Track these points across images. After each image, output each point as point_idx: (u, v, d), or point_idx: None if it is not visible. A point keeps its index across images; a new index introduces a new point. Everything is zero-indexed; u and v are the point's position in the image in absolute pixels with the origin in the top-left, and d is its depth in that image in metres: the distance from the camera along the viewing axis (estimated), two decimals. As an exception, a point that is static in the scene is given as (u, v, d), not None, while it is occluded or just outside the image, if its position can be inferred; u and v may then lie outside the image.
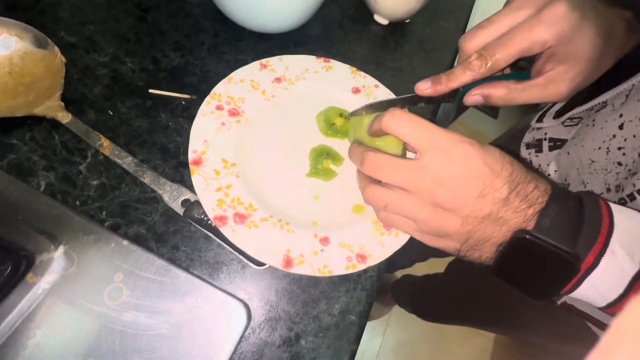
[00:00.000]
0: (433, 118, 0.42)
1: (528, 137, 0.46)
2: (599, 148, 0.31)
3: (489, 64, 0.26)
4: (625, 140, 0.29)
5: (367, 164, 0.25)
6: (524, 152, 0.46)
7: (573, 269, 0.22)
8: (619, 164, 0.30)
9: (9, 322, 0.23)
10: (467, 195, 0.23)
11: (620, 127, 0.29)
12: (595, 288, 0.22)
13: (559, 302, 0.38)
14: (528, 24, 0.25)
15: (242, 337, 0.27)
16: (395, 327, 1.23)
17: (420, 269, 0.99)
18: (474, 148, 0.23)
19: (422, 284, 0.95)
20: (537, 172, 0.25)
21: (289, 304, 0.30)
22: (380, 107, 0.30)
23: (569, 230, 0.22)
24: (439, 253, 0.89)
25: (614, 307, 0.22)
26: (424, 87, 0.28)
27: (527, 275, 0.24)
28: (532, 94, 0.27)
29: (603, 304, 0.23)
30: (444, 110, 1.45)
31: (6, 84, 0.31)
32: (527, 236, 0.22)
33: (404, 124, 0.24)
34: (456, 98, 0.30)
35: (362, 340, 0.28)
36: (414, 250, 0.90)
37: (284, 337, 0.28)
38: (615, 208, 0.23)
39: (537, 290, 0.24)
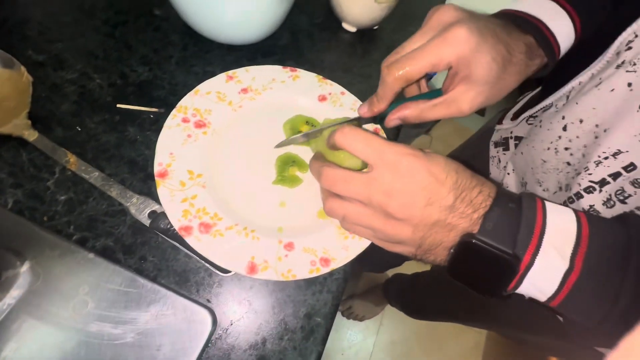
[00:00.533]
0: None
1: (496, 136, 0.47)
2: (548, 149, 0.33)
3: (399, 76, 0.28)
4: (570, 141, 0.31)
5: (324, 178, 0.27)
6: (493, 151, 0.48)
7: (513, 269, 0.23)
8: (568, 163, 0.31)
9: (-26, 338, 0.24)
10: (415, 205, 0.24)
11: (564, 128, 0.31)
12: (534, 285, 0.24)
13: (526, 297, 0.39)
14: (434, 42, 0.27)
15: (207, 342, 0.28)
16: (388, 326, 1.25)
17: (410, 267, 1.00)
18: (419, 160, 0.24)
19: (410, 283, 0.96)
20: (483, 177, 0.26)
21: (255, 309, 0.30)
22: (316, 135, 0.33)
23: (509, 232, 0.23)
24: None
25: (553, 300, 0.23)
26: (363, 111, 0.33)
27: (476, 275, 0.25)
28: (439, 111, 0.29)
29: (544, 298, 0.24)
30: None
31: (-27, 105, 0.32)
32: (473, 240, 0.23)
33: (355, 141, 0.26)
34: (377, 119, 0.33)
35: (355, 341, 0.29)
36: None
37: (250, 341, 0.29)
38: (550, 208, 0.24)
39: (484, 288, 0.26)
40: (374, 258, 1.04)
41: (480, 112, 1.81)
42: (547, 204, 0.24)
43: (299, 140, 0.35)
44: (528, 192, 0.25)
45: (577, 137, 0.29)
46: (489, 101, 0.29)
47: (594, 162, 0.28)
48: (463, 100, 0.28)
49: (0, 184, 0.30)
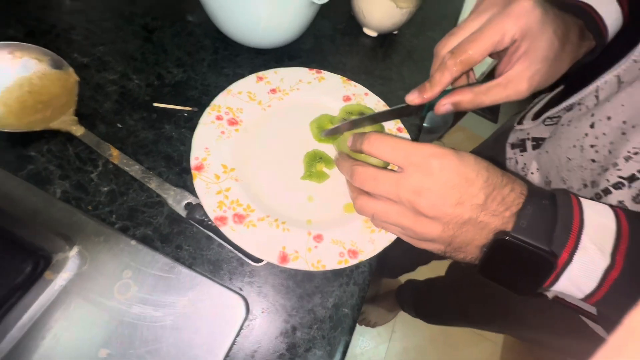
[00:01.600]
0: (420, 123, 0.45)
1: (512, 138, 0.48)
2: (574, 146, 0.33)
3: (462, 60, 0.27)
4: (596, 138, 0.31)
5: (355, 177, 0.28)
6: (510, 152, 0.48)
7: (550, 266, 0.23)
8: (593, 160, 0.32)
9: (29, 315, 0.25)
10: (445, 203, 0.24)
11: (592, 126, 0.31)
12: (572, 282, 0.23)
13: (550, 297, 0.39)
14: (496, 19, 0.27)
15: (241, 328, 0.29)
16: (400, 332, 1.23)
17: (423, 273, 1.00)
18: (447, 159, 0.24)
19: (424, 288, 0.96)
20: (513, 174, 0.26)
21: (285, 298, 0.32)
22: (359, 123, 0.33)
23: (544, 229, 0.23)
24: (439, 256, 0.90)
25: (592, 297, 0.23)
26: (412, 98, 0.31)
27: (510, 273, 0.25)
28: (495, 94, 0.28)
29: (582, 296, 0.24)
30: (442, 117, 1.47)
31: (26, 102, 0.34)
32: (507, 237, 0.23)
33: (381, 147, 0.26)
34: (424, 110, 0.32)
35: (367, 347, 0.29)
36: (416, 254, 0.91)
37: (281, 328, 0.30)
38: (586, 204, 0.24)
39: (520, 287, 0.26)
40: (387, 263, 1.04)
41: (494, 118, 1.80)
42: (583, 200, 0.24)
43: (344, 129, 0.35)
44: (561, 188, 0.25)
45: (604, 134, 0.30)
46: (545, 82, 0.28)
47: (623, 157, 0.28)
48: (522, 78, 0.27)
49: (50, 175, 0.32)
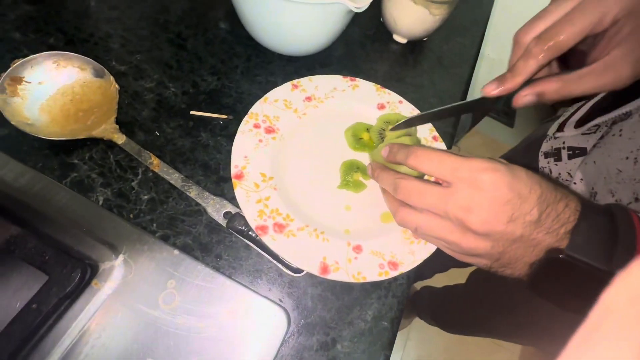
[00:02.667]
0: (454, 131, 0.44)
1: (546, 147, 0.47)
2: (627, 158, 0.32)
3: (552, 45, 0.24)
4: None
5: (400, 190, 0.27)
6: (543, 162, 0.47)
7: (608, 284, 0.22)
8: None
9: (78, 324, 0.26)
10: (497, 220, 0.23)
11: None
12: None
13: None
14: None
15: (283, 340, 0.29)
16: (415, 340, 1.21)
17: (440, 280, 0.98)
18: (499, 174, 0.23)
19: (442, 295, 0.94)
20: (565, 188, 0.25)
21: (324, 310, 0.31)
22: (420, 119, 0.33)
23: (603, 247, 0.22)
24: (460, 264, 0.88)
25: None
26: (491, 89, 0.27)
27: (563, 291, 0.24)
28: (589, 82, 0.25)
29: None
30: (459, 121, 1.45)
31: (68, 110, 0.35)
32: (561, 255, 0.22)
33: (428, 162, 0.26)
34: (500, 103, 0.29)
35: None
36: (434, 261, 0.90)
37: (321, 341, 0.30)
38: None
39: (574, 305, 0.25)
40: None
41: (510, 122, 1.77)
42: None
43: (409, 124, 0.34)
44: (616, 203, 0.24)
45: None
46: None
47: None
48: (624, 63, 0.24)
49: (92, 183, 0.32)
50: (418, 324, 1.19)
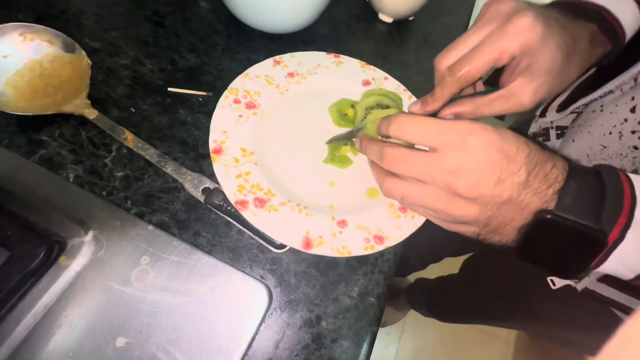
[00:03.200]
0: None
1: (534, 127, 0.46)
2: (610, 133, 0.31)
3: (459, 77, 0.27)
4: (639, 123, 0.29)
5: (385, 158, 0.26)
6: None
7: (600, 244, 0.21)
8: (635, 147, 0.30)
9: (44, 302, 0.24)
10: (485, 183, 0.22)
11: (632, 110, 0.29)
12: (622, 261, 0.22)
13: (579, 289, 0.37)
14: (495, 36, 0.26)
15: (264, 317, 0.27)
16: (410, 333, 1.21)
17: (433, 272, 0.98)
18: (486, 135, 0.23)
19: (436, 286, 0.94)
20: (551, 150, 0.24)
21: (308, 287, 0.30)
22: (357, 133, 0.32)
23: (591, 206, 0.22)
24: (453, 252, 0.88)
25: None
26: (415, 109, 0.31)
27: (552, 254, 0.24)
28: (497, 106, 0.28)
29: (631, 276, 0.22)
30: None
31: (36, 85, 0.33)
32: (549, 216, 0.22)
33: (411, 128, 0.25)
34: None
35: (377, 348, 0.28)
36: (428, 252, 0.90)
37: (305, 318, 0.29)
38: (636, 178, 0.23)
39: (564, 269, 0.24)
40: (399, 262, 1.02)
41: (501, 116, 1.78)
42: (632, 175, 0.23)
43: (346, 137, 0.35)
44: (604, 164, 0.24)
45: None
46: (551, 93, 0.28)
47: None
48: (524, 92, 0.27)
49: (62, 160, 0.31)
50: (413, 316, 1.18)
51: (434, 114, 0.30)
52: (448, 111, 0.29)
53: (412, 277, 1.15)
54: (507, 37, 0.26)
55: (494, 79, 0.32)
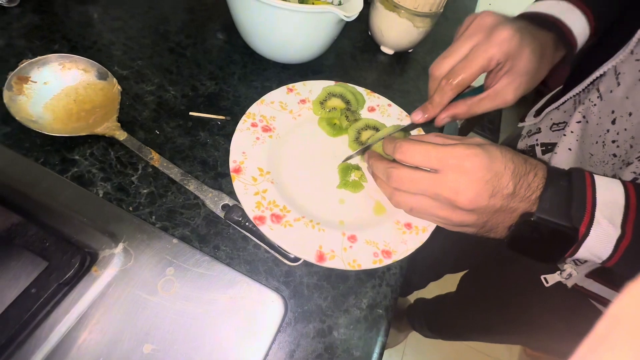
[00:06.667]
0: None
1: (521, 144, 0.51)
2: (596, 142, 0.35)
3: (457, 84, 0.32)
4: (617, 134, 0.33)
5: (392, 179, 0.30)
6: None
7: (572, 239, 0.26)
8: (614, 155, 0.34)
9: (77, 309, 0.26)
10: (481, 197, 0.27)
11: (613, 122, 0.34)
12: (590, 251, 0.26)
13: (569, 285, 0.40)
14: (483, 47, 0.31)
15: (280, 327, 0.29)
16: (411, 355, 1.19)
17: (433, 291, 0.99)
18: (479, 158, 0.27)
19: (436, 304, 0.94)
20: (534, 159, 0.29)
21: (320, 298, 0.32)
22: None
23: (563, 207, 0.26)
24: (452, 268, 0.89)
25: (608, 262, 0.26)
26: (417, 117, 0.36)
27: (535, 246, 0.28)
28: (486, 104, 0.33)
29: (599, 261, 0.27)
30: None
31: (71, 109, 0.36)
32: (532, 218, 0.26)
33: (414, 154, 0.29)
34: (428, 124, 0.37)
35: None
36: (428, 269, 0.91)
37: (318, 328, 0.30)
38: (599, 182, 0.27)
39: (545, 257, 0.29)
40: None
41: (494, 137, 1.85)
42: (596, 178, 0.27)
43: (360, 154, 0.38)
44: (576, 167, 0.28)
45: (625, 129, 0.32)
46: (528, 89, 0.33)
47: None
48: (508, 90, 0.32)
49: (93, 177, 0.33)
50: (414, 339, 1.17)
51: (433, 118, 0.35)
52: (445, 114, 0.34)
53: (412, 298, 1.15)
54: (493, 47, 0.31)
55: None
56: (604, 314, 0.11)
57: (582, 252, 0.27)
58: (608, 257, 0.26)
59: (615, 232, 0.25)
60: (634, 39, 0.32)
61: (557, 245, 0.27)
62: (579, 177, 0.27)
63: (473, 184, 0.27)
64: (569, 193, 0.26)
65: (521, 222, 0.27)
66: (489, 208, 0.27)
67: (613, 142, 0.33)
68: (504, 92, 0.32)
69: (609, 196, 0.26)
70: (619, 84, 0.33)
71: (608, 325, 0.10)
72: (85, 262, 0.27)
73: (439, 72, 0.33)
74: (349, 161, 0.38)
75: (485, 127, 1.86)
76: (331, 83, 0.44)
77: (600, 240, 0.25)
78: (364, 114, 0.43)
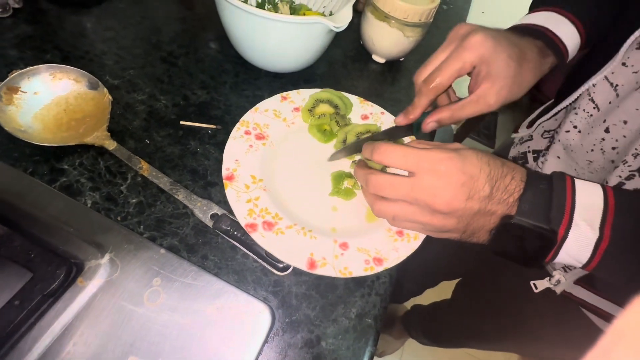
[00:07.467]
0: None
1: (513, 152, 0.51)
2: (592, 150, 0.36)
3: (433, 87, 0.33)
4: (616, 141, 0.34)
5: (371, 184, 0.30)
6: None
7: (552, 241, 0.26)
8: (612, 161, 0.35)
9: (61, 321, 0.25)
10: (458, 200, 0.27)
11: (607, 130, 0.34)
12: (569, 254, 0.26)
13: (558, 292, 0.40)
14: (456, 52, 0.33)
15: (267, 338, 0.29)
16: (408, 363, 1.18)
17: (430, 297, 0.98)
18: (453, 161, 0.27)
19: (431, 310, 0.94)
20: (512, 163, 0.29)
21: (308, 308, 0.32)
22: (357, 147, 0.37)
23: (543, 210, 0.26)
24: (447, 275, 0.89)
25: (588, 266, 0.26)
26: (399, 120, 0.37)
27: (517, 249, 0.28)
28: (470, 109, 0.33)
29: (579, 265, 0.27)
30: (442, 140, 1.51)
31: (61, 119, 0.36)
32: (512, 221, 0.26)
33: (392, 156, 0.29)
34: (413, 130, 0.38)
35: None
36: (423, 276, 0.91)
37: (306, 338, 0.30)
38: (579, 186, 0.27)
39: (526, 260, 0.28)
40: (395, 288, 1.03)
41: (490, 143, 1.86)
42: (577, 181, 0.27)
43: (347, 153, 0.39)
44: (558, 171, 0.29)
45: (624, 136, 0.33)
46: (512, 95, 0.33)
47: (632, 154, 0.31)
48: (489, 94, 0.32)
49: (81, 187, 0.33)
50: (410, 346, 1.16)
51: (419, 122, 0.37)
52: (430, 119, 0.35)
53: (408, 304, 1.14)
54: (465, 51, 0.32)
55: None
56: (608, 328, 0.11)
57: (562, 256, 0.27)
58: (587, 261, 0.26)
59: (594, 235, 0.25)
60: (622, 50, 0.33)
61: (537, 248, 0.27)
62: (559, 180, 0.27)
63: (448, 186, 0.27)
64: (549, 195, 0.26)
65: (501, 225, 0.27)
66: (467, 211, 0.27)
67: (613, 148, 0.34)
68: (486, 96, 0.33)
69: (589, 199, 0.26)
70: (617, 95, 0.34)
71: (612, 340, 0.10)
72: (71, 273, 0.27)
73: (420, 79, 0.35)
74: (342, 169, 0.39)
75: (481, 133, 1.87)
76: (323, 92, 0.45)
77: (579, 243, 0.25)
78: (357, 122, 0.43)
